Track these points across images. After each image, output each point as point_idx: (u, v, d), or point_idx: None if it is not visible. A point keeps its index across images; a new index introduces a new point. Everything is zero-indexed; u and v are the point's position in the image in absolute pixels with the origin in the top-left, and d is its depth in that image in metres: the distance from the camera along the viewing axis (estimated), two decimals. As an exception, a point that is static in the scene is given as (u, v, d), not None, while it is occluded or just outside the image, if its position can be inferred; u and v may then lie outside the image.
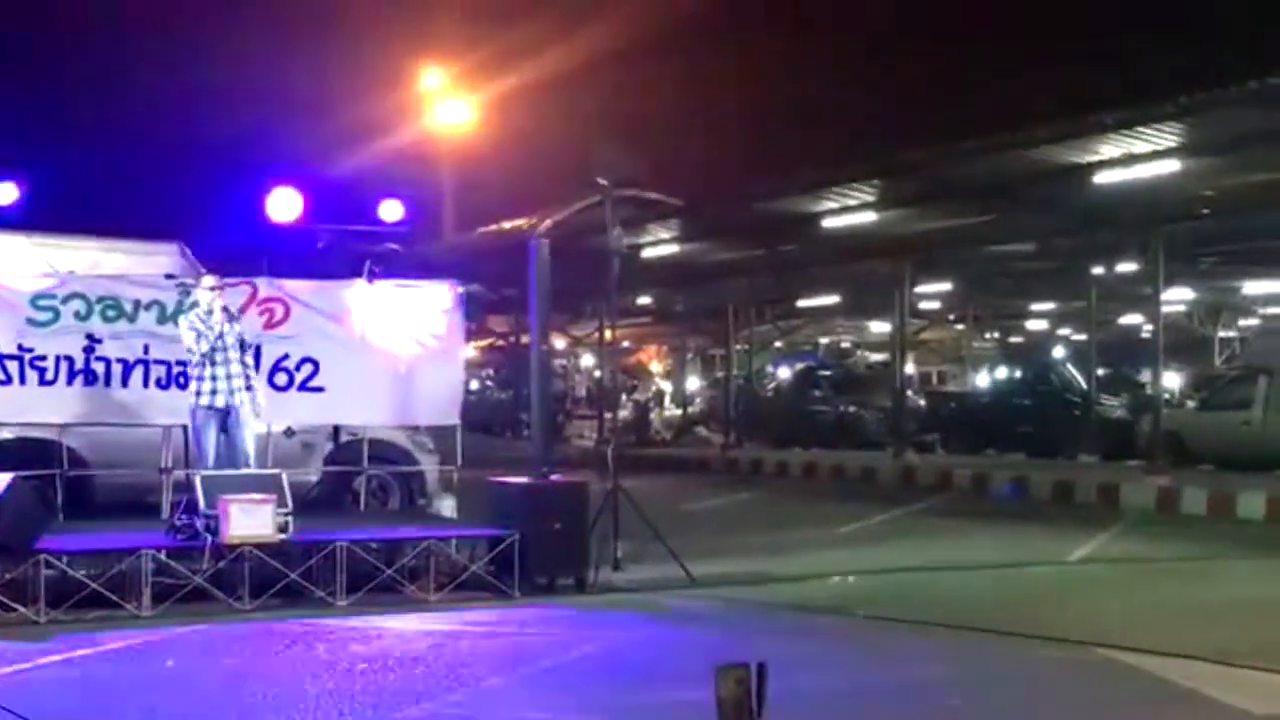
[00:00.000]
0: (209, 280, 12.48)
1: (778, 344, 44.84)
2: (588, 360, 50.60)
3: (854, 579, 13.13)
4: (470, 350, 38.25)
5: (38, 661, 9.34)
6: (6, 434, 13.32)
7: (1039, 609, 11.61)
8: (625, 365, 53.40)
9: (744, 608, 11.59)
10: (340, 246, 14.20)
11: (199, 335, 12.03)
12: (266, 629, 10.47)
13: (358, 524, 12.75)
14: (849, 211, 24.05)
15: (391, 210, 14.07)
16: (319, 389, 13.45)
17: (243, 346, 12.25)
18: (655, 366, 56.43)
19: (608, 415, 32.51)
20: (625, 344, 53.98)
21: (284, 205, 13.56)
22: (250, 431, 12.35)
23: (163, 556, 11.00)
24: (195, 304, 12.88)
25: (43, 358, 12.74)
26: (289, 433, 14.52)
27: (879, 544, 16.04)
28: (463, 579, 11.87)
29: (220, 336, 12.10)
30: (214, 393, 12.19)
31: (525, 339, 40.11)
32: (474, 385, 45.64)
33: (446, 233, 32.21)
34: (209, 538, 11.05)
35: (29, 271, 13.05)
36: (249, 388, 12.33)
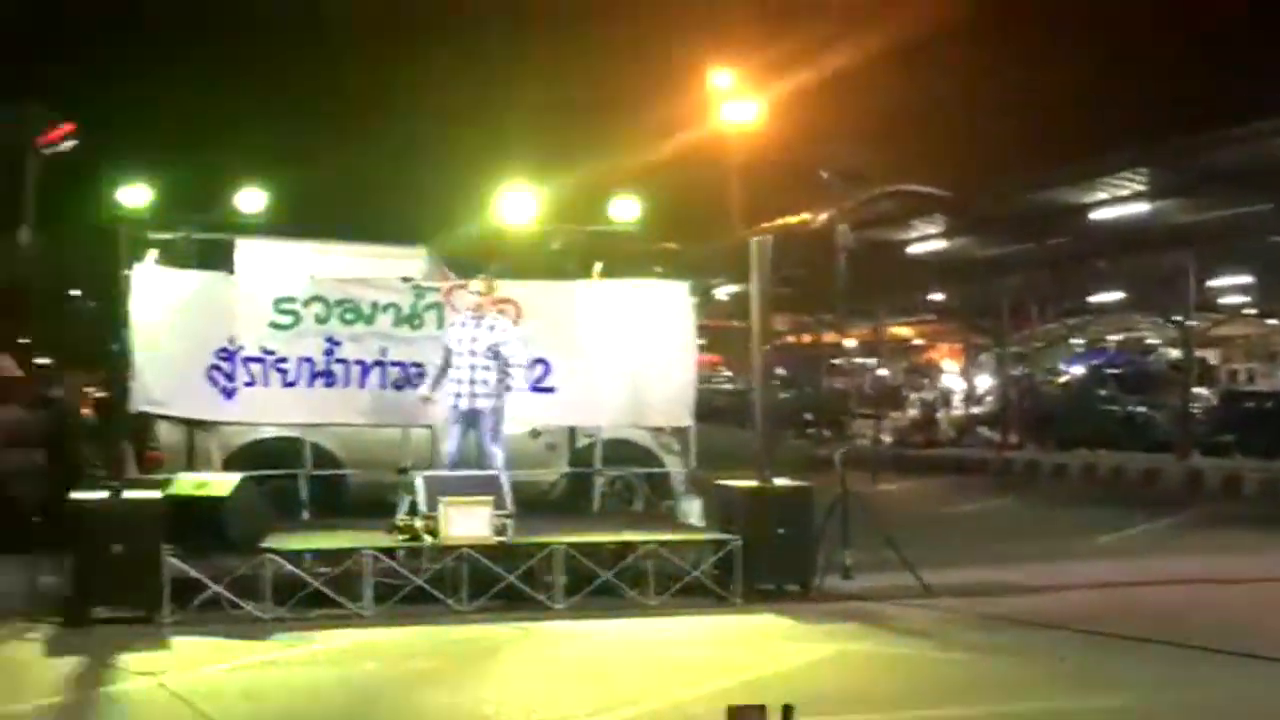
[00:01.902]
0: (451, 284, 12.63)
1: (1073, 341, 43.20)
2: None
3: (1094, 593, 12.34)
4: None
5: (245, 659, 9.53)
6: (259, 434, 13.80)
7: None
8: (915, 363, 52.36)
9: (970, 620, 11.00)
10: (574, 246, 14.14)
11: (457, 337, 12.20)
12: (482, 630, 10.48)
13: (586, 526, 12.64)
14: (1120, 202, 22.91)
15: (626, 209, 13.94)
16: (550, 389, 13.42)
17: (496, 350, 12.30)
18: (948, 364, 55.11)
19: (872, 418, 31.83)
20: (917, 342, 52.97)
21: (518, 206, 13.57)
22: (500, 434, 12.39)
23: (384, 557, 11.13)
24: (437, 306, 13.09)
25: (284, 360, 13.08)
26: (535, 433, 14.60)
27: (1138, 555, 15.10)
28: (684, 584, 11.62)
29: (466, 340, 12.21)
30: (458, 395, 12.31)
31: (806, 337, 39.91)
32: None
33: (734, 229, 32.09)
34: (429, 539, 11.13)
35: (272, 276, 13.40)
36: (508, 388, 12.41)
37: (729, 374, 46.20)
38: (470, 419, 12.41)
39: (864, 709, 8.34)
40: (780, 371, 47.03)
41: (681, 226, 16.74)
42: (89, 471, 12.89)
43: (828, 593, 11.78)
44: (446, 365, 12.49)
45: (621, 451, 14.75)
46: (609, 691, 8.58)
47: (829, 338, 36.32)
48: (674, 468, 14.44)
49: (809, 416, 34.81)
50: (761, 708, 4.08)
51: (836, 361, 39.80)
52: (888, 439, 32.83)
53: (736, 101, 30.42)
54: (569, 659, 9.70)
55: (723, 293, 29.13)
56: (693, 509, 13.87)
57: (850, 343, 41.27)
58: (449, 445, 12.44)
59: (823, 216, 23.80)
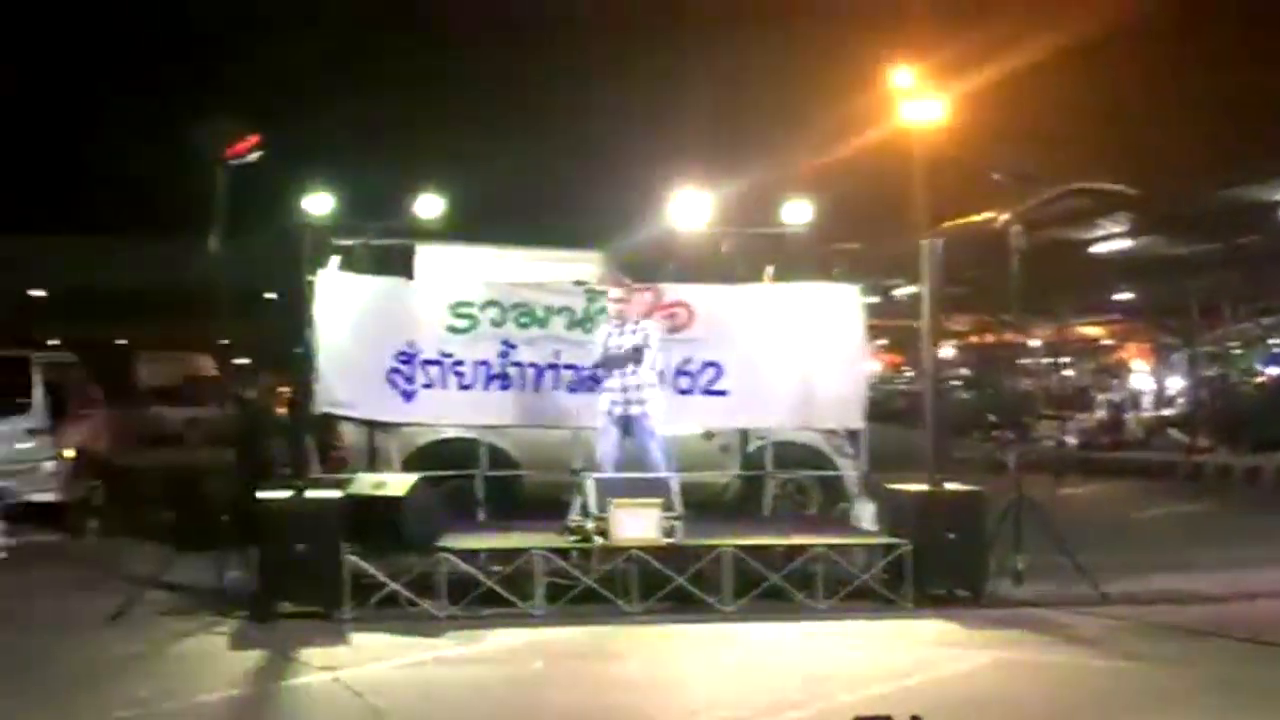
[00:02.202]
0: (616, 290, 12.76)
1: (1270, 341, 41.73)
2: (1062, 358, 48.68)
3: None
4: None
5: (419, 656, 9.79)
6: (439, 435, 14.14)
7: None
8: (1104, 364, 51.12)
9: (1142, 629, 10.75)
10: (746, 249, 14.15)
11: (607, 341, 12.33)
12: (650, 631, 10.60)
13: (756, 529, 12.68)
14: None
15: (798, 212, 13.87)
16: (721, 392, 13.47)
17: (639, 352, 12.40)
18: (1137, 365, 53.69)
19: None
20: (1106, 342, 51.68)
21: (691, 209, 13.62)
22: (655, 438, 12.49)
23: (555, 557, 11.32)
24: (604, 310, 13.24)
25: (461, 363, 13.37)
26: (708, 435, 14.69)
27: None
28: (854, 588, 11.59)
29: (619, 343, 12.33)
30: (612, 402, 12.42)
31: (990, 337, 39.26)
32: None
33: (917, 229, 31.72)
34: (598, 540, 11.28)
35: (449, 280, 13.70)
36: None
37: (913, 374, 45.73)
38: (624, 425, 12.49)
39: (1015, 717, 8.26)
40: (962, 372, 46.45)
41: (857, 228, 16.60)
42: (277, 471, 13.32)
43: (999, 599, 11.63)
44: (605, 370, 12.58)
45: (795, 454, 14.76)
46: (770, 694, 8.62)
47: (1010, 338, 35.66)
48: (848, 471, 14.38)
49: (993, 418, 34.24)
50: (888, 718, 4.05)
51: (1024, 361, 39.13)
52: (1073, 441, 32.12)
53: (916, 100, 30.09)
54: (734, 661, 9.77)
55: (906, 292, 28.82)
56: (866, 513, 13.77)
57: (1036, 343, 40.54)
58: (607, 449, 12.54)
59: (1004, 216, 23.45)
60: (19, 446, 14.66)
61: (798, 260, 13.92)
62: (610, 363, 12.39)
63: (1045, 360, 43.89)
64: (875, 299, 20.78)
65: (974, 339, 40.65)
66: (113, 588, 11.67)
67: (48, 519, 15.55)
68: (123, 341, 41.15)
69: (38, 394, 14.91)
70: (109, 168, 32.51)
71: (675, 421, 13.37)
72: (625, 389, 12.37)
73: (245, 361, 36.26)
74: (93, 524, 15.77)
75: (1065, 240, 27.28)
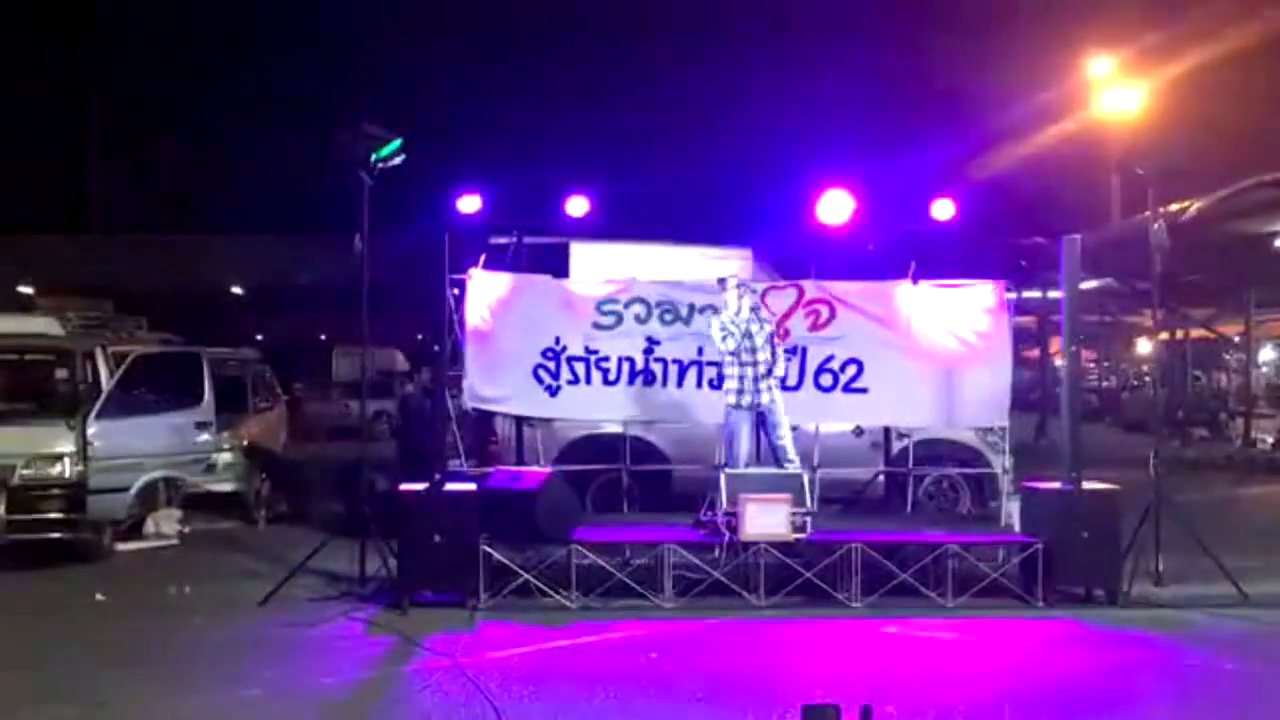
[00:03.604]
0: (732, 280, 12.81)
1: None
2: (1271, 354, 46.96)
3: None
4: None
5: (544, 645, 10.04)
6: (595, 430, 14.45)
7: None
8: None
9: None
10: (890, 247, 14.11)
11: (725, 335, 12.40)
12: (774, 626, 10.69)
13: (896, 525, 12.67)
14: None
15: (943, 209, 13.79)
16: (863, 390, 13.48)
17: (772, 347, 12.46)
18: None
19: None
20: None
21: (834, 207, 13.65)
22: (786, 430, 12.55)
23: (685, 551, 11.48)
24: (752, 307, 13.35)
25: (606, 359, 13.64)
26: (858, 431, 14.74)
27: None
28: (985, 585, 11.50)
29: (747, 336, 12.39)
30: (740, 392, 12.49)
31: (1180, 333, 38.11)
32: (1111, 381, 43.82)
33: (1112, 225, 31.15)
34: (727, 534, 11.40)
35: (597, 278, 13.97)
36: (785, 387, 12.59)
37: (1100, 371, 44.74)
38: (754, 417, 12.56)
39: (1136, 717, 8.16)
40: (1151, 368, 45.12)
41: (1009, 224, 16.38)
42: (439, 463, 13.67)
43: (1136, 599, 11.41)
44: (731, 363, 12.64)
45: (947, 451, 14.71)
46: (878, 688, 8.66)
47: (1202, 333, 34.63)
48: (1000, 468, 14.23)
49: (1180, 415, 33.31)
50: (836, 708, 4.09)
51: (1225, 357, 37.91)
52: (1270, 440, 31.04)
53: (1109, 92, 29.59)
54: (852, 656, 9.80)
55: (1087, 287, 28.15)
56: (1015, 511, 13.66)
57: (1235, 338, 39.19)
58: (741, 444, 12.62)
59: (1193, 208, 22.84)
60: (191, 439, 15.35)
61: (944, 257, 13.83)
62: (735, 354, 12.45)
63: (1239, 356, 42.39)
64: (1037, 294, 20.43)
65: (1164, 334, 39.48)
66: (270, 573, 12.20)
67: (223, 508, 16.30)
68: (323, 337, 42.64)
69: (208, 388, 15.59)
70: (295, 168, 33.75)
71: (818, 418, 13.48)
72: (758, 378, 12.42)
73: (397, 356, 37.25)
74: (262, 513, 16.44)
75: (1258, 234, 26.41)
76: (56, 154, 45.64)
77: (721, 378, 13.40)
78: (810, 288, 13.59)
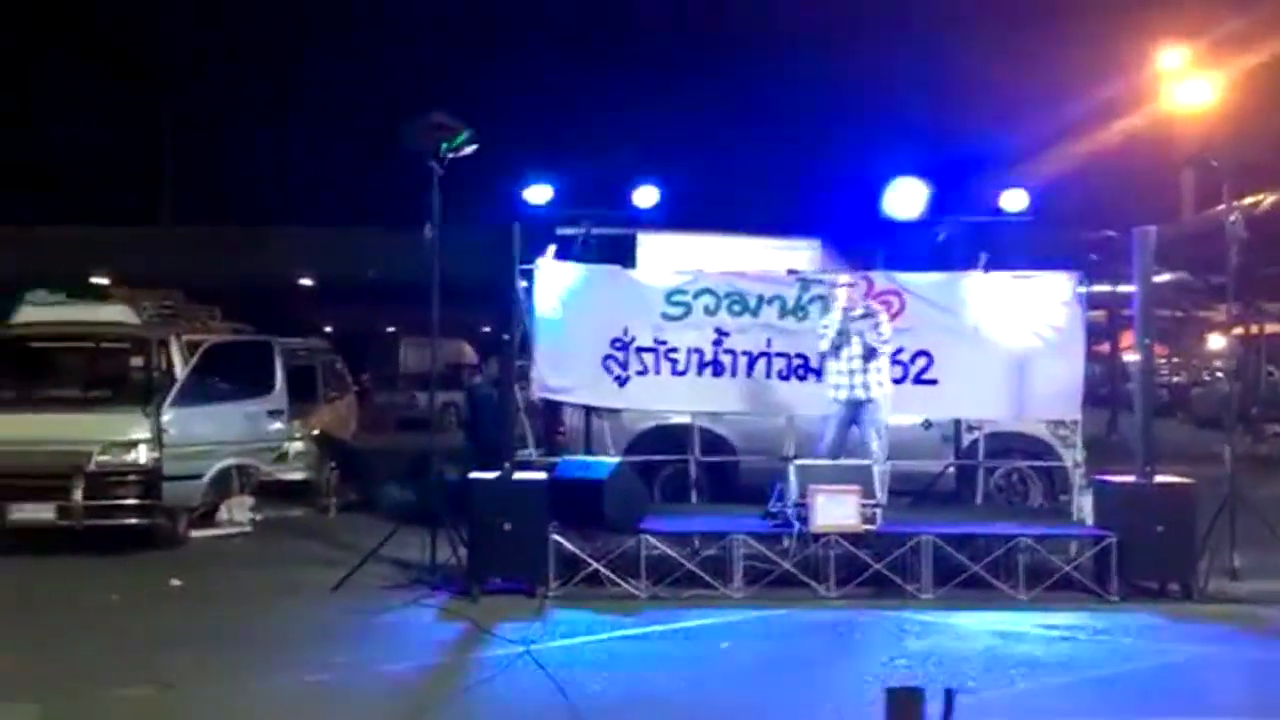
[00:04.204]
0: (843, 277, 12.83)
1: None
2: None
3: None
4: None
5: (612, 634, 10.07)
6: (663, 420, 14.48)
7: None
8: None
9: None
10: (960, 237, 14.01)
11: (822, 335, 12.38)
12: (843, 616, 10.66)
13: (966, 518, 12.61)
14: None
15: (1014, 200, 13.68)
16: (932, 381, 13.38)
17: (865, 346, 12.41)
18: None
19: None
20: None
21: (904, 197, 13.58)
22: (877, 426, 12.51)
23: (754, 541, 11.47)
24: (821, 298, 13.34)
25: (675, 350, 13.62)
26: (927, 424, 14.67)
27: None
28: (1058, 579, 11.41)
29: (842, 335, 12.38)
30: (837, 386, 12.51)
31: (1254, 328, 37.55)
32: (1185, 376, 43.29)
33: (1183, 217, 30.78)
34: (797, 525, 11.38)
35: (665, 269, 13.97)
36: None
37: (1172, 366, 44.21)
38: (853, 410, 12.54)
39: (1203, 712, 8.08)
40: (1224, 363, 44.52)
41: (1078, 216, 16.21)
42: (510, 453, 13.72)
43: (1211, 595, 11.26)
44: (828, 357, 12.65)
45: (1017, 444, 14.61)
46: (947, 678, 8.60)
47: (1272, 328, 34.15)
48: (1072, 461, 14.11)
49: (1255, 411, 32.88)
50: (920, 690, 4.08)
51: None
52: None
53: (1181, 84, 29.19)
54: (920, 647, 9.74)
55: (1162, 280, 27.81)
56: (1087, 505, 13.53)
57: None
58: (829, 435, 12.62)
59: (1268, 201, 22.55)
60: (263, 427, 15.51)
61: (1016, 248, 13.73)
62: (837, 346, 12.42)
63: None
64: (1107, 288, 20.20)
65: (1238, 329, 38.97)
66: (341, 561, 12.30)
67: (295, 496, 16.46)
68: (391, 329, 42.93)
69: (279, 378, 15.75)
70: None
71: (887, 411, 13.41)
72: (853, 373, 12.39)
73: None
74: (333, 501, 16.58)
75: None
76: (128, 147, 46.22)
77: (792, 369, 13.46)
78: (879, 279, 13.49)
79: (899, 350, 13.37)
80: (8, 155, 42.09)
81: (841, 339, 12.46)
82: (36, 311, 15.31)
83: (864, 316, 12.47)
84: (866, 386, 12.46)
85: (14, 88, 43.07)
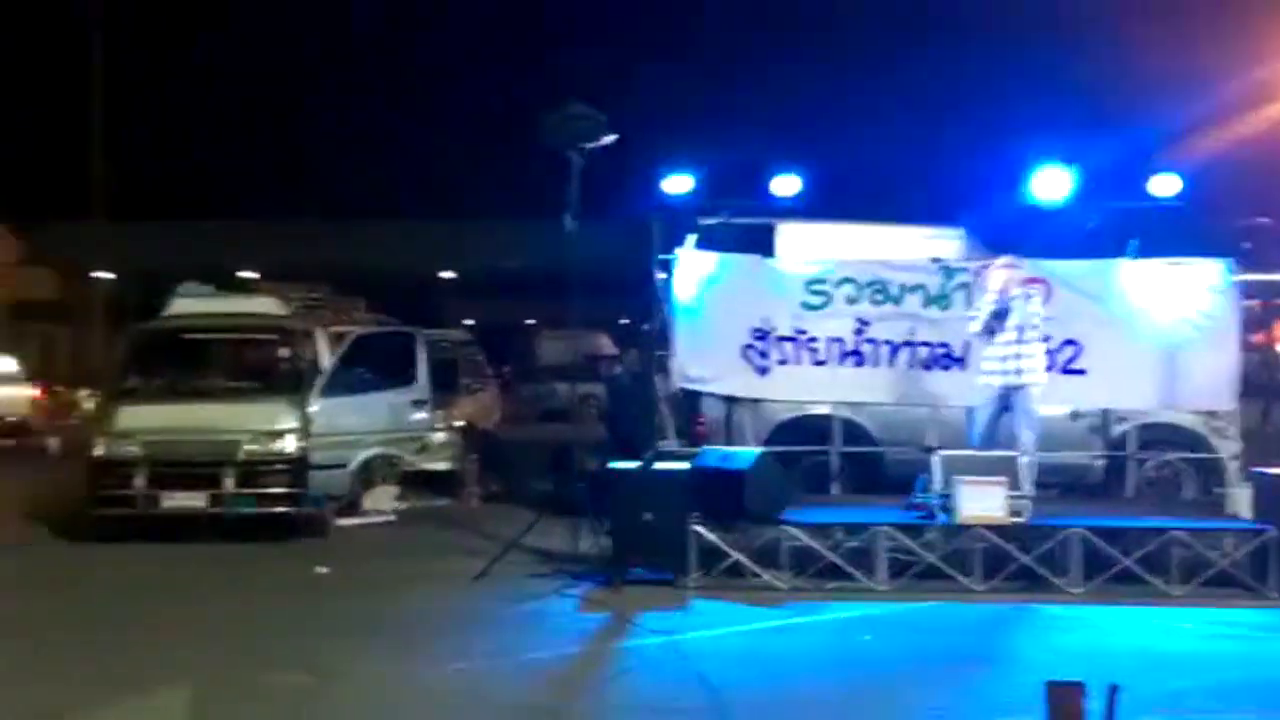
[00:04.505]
0: (1000, 259, 12.51)
1: None
2: None
3: None
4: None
5: (754, 625, 10.01)
6: (803, 411, 14.34)
7: None
8: None
9: None
10: (1110, 224, 13.66)
11: (974, 317, 12.15)
12: (990, 610, 10.47)
13: (1117, 511, 12.31)
14: None
15: (1164, 185, 13.28)
16: (1080, 371, 13.09)
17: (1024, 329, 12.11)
18: None
19: None
20: None
21: (1050, 183, 13.26)
22: (1029, 416, 12.22)
23: (898, 533, 11.31)
24: (966, 287, 13.13)
25: (815, 339, 13.50)
26: (1075, 415, 14.32)
27: None
28: (1213, 574, 11.08)
29: (1000, 316, 12.09)
30: (990, 372, 12.21)
31: None
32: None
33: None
34: (942, 517, 11.20)
35: (805, 258, 13.85)
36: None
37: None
38: (1005, 400, 12.28)
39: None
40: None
41: (1230, 203, 15.68)
42: (651, 444, 13.72)
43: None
44: (982, 344, 12.37)
45: (1168, 436, 14.22)
46: (1093, 675, 8.37)
47: None
48: (1228, 454, 13.71)
49: None
50: (1080, 684, 3.95)
51: None
52: None
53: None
54: (1069, 643, 9.53)
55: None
56: (1243, 498, 13.12)
57: None
58: (980, 425, 12.38)
59: None
60: (407, 417, 15.69)
61: (1167, 235, 13.35)
62: (990, 329, 12.16)
63: None
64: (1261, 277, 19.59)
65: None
66: (484, 550, 12.38)
67: (439, 486, 16.63)
68: (531, 321, 43.27)
69: (422, 368, 15.91)
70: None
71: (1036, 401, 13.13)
72: (1005, 359, 12.11)
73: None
74: (475, 491, 16.71)
75: None
76: (277, 140, 47.19)
77: (935, 358, 13.26)
78: (1026, 266, 13.20)
79: (1046, 339, 13.08)
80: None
81: (995, 321, 12.11)
82: (187, 304, 15.66)
83: (1018, 298, 12.12)
84: (1020, 372, 12.12)
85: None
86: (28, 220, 42.93)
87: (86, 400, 29.09)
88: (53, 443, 23.94)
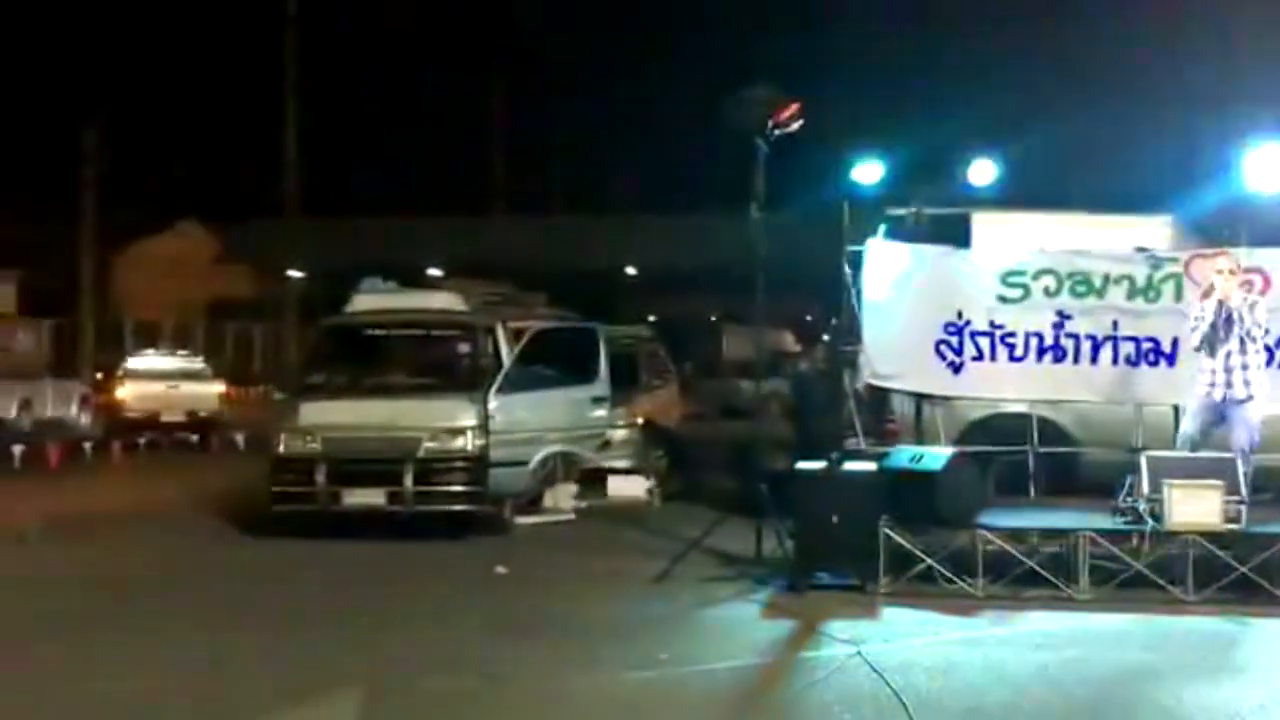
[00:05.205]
0: (1220, 261, 11.61)
1: None
2: None
3: None
4: None
5: (948, 635, 9.46)
6: (997, 409, 13.71)
7: None
8: None
9: None
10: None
11: (1195, 327, 11.31)
12: (1204, 624, 9.77)
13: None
14: None
15: None
16: (1301, 368, 12.22)
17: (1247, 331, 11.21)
18: None
19: None
20: None
21: (1266, 166, 12.43)
22: (1249, 426, 11.38)
23: (1102, 539, 10.64)
24: (1175, 278, 12.41)
25: (1012, 334, 12.89)
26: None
27: None
28: None
29: (1228, 322, 11.24)
30: (1212, 385, 11.31)
31: None
32: None
33: None
34: (1150, 522, 10.51)
35: (1000, 249, 13.23)
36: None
37: None
38: (1219, 409, 11.42)
39: None
40: None
41: None
42: (837, 442, 13.27)
43: None
44: (1199, 351, 11.52)
45: None
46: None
47: None
48: None
49: None
50: None
51: None
52: None
53: None
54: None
55: None
56: None
57: None
58: (1190, 428, 11.58)
59: None
60: (587, 414, 15.45)
61: None
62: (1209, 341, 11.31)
63: None
64: None
65: None
66: (664, 550, 12.05)
67: (618, 484, 16.32)
68: (714, 317, 42.97)
69: (603, 364, 15.66)
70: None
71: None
72: (1229, 369, 11.19)
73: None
74: (656, 489, 16.37)
75: None
76: (460, 139, 47.62)
77: (1141, 354, 12.55)
78: (1241, 256, 12.38)
79: (1265, 333, 12.22)
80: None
81: (1215, 334, 11.19)
82: (369, 300, 15.62)
83: (1240, 305, 11.23)
84: (1247, 383, 11.27)
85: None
86: (225, 219, 44.10)
87: (270, 396, 29.91)
88: (240, 438, 24.46)
